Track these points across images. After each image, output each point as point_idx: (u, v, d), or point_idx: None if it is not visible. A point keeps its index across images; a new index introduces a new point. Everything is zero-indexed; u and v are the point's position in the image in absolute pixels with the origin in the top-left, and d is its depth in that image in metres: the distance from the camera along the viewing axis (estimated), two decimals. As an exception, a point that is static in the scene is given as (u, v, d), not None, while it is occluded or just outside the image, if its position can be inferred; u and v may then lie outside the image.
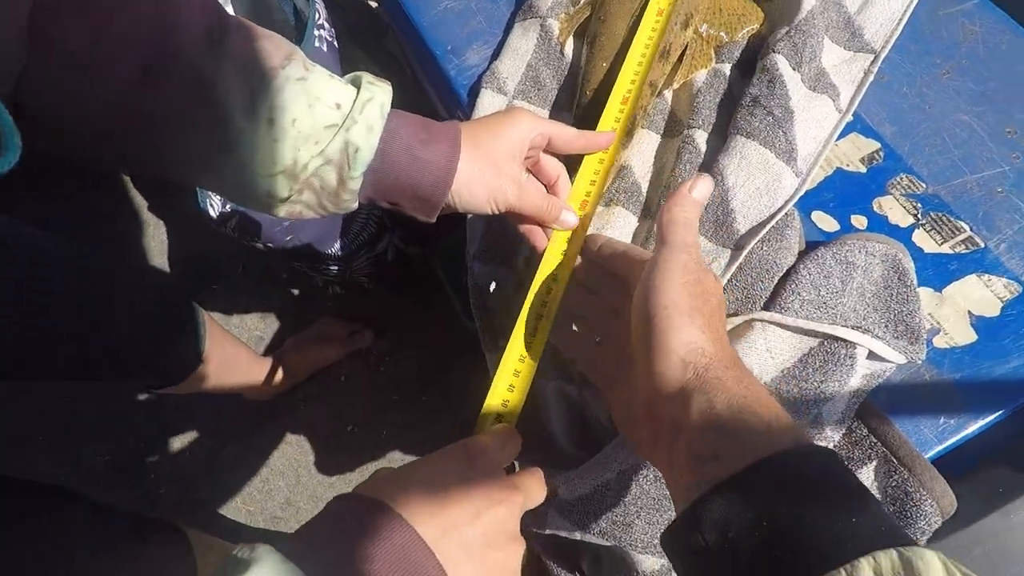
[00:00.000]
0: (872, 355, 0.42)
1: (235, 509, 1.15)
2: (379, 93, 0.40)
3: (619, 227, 0.50)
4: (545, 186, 0.48)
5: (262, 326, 1.25)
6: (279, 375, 1.08)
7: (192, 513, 1.13)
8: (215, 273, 1.28)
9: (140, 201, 1.35)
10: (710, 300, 0.33)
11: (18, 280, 0.54)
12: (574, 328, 0.43)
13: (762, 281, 0.44)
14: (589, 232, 0.45)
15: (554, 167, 0.47)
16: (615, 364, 0.38)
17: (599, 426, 0.47)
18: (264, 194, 0.39)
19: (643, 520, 0.41)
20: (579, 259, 0.44)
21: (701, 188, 0.37)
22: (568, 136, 0.45)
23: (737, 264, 0.44)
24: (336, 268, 0.98)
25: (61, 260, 0.59)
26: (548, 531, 0.47)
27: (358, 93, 0.39)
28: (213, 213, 0.77)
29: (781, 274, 0.44)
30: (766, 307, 0.44)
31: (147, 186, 1.32)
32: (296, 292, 1.26)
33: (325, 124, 0.38)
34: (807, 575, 0.24)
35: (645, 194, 0.52)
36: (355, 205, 0.41)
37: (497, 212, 0.44)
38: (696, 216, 0.36)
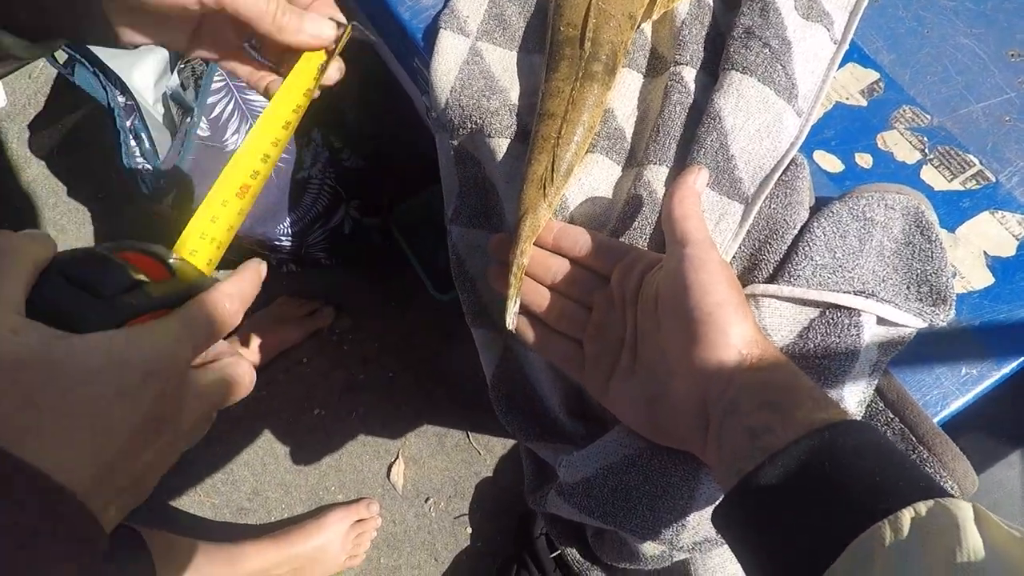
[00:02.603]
0: (883, 320, 0.38)
1: (198, 503, 1.09)
2: None
3: (600, 176, 0.45)
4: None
5: (213, 310, 1.17)
6: (236, 361, 1.01)
7: (150, 510, 1.06)
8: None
9: (57, 186, 1.24)
10: (742, 290, 0.35)
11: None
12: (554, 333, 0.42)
13: (771, 243, 0.40)
14: (562, 225, 0.43)
15: None
16: (611, 365, 0.39)
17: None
18: None
19: (645, 507, 0.37)
20: (558, 262, 0.42)
21: (702, 179, 0.38)
22: None
23: (749, 221, 0.40)
24: (289, 244, 0.91)
25: None
26: (548, 511, 0.43)
27: None
28: (146, 189, 0.69)
29: (794, 233, 0.39)
30: (775, 273, 0.39)
31: (67, 167, 1.21)
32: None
33: None
34: (854, 524, 0.26)
35: (630, 140, 0.47)
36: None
37: (198, 5, 0.31)
38: (700, 208, 0.37)
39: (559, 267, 0.42)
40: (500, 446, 1.10)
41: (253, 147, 0.35)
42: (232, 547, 0.88)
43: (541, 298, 0.42)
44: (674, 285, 0.35)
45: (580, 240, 0.42)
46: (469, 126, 0.50)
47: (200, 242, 0.32)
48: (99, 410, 0.23)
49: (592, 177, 0.45)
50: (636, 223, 0.43)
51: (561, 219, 0.44)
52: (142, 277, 0.27)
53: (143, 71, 1.01)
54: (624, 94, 0.48)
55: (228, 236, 0.33)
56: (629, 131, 0.47)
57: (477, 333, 0.49)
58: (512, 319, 0.41)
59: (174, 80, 1.01)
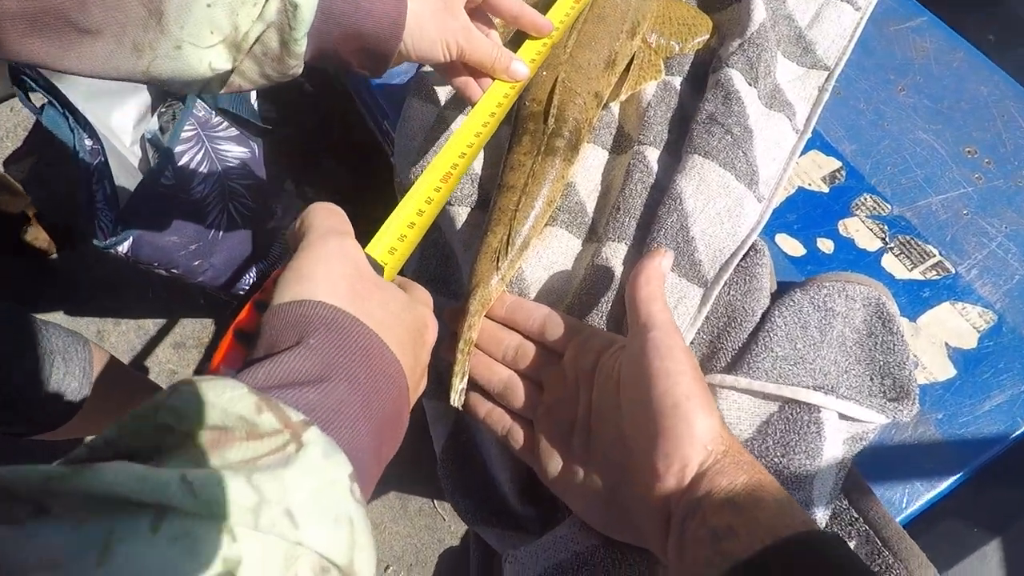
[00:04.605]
0: (844, 416, 0.37)
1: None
2: None
3: (559, 250, 0.45)
4: None
5: (175, 359, 1.14)
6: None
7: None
8: (119, 302, 1.16)
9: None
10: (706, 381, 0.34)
11: None
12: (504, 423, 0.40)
13: (730, 330, 0.39)
14: (515, 299, 0.42)
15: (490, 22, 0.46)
16: (563, 448, 0.37)
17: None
18: (206, 69, 0.35)
19: None
20: (510, 336, 0.41)
21: (667, 261, 0.37)
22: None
23: (708, 307, 0.39)
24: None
25: None
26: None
27: None
28: (102, 236, 0.67)
29: (754, 321, 0.39)
30: (733, 363, 0.38)
31: (39, 199, 1.19)
32: (215, 320, 1.15)
33: None
34: None
35: (591, 215, 0.46)
36: (300, 69, 0.38)
37: (448, 58, 0.41)
38: (664, 290, 0.36)
39: (511, 341, 0.41)
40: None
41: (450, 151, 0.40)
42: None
43: (491, 373, 0.40)
44: (638, 371, 0.33)
45: (534, 314, 0.41)
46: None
47: (399, 242, 0.37)
48: (406, 322, 0.31)
49: (551, 250, 0.44)
50: (594, 299, 0.42)
51: (517, 292, 0.43)
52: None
53: (123, 112, 1.00)
54: (588, 168, 0.48)
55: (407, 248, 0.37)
56: (591, 206, 0.47)
57: (428, 405, 0.47)
58: (457, 396, 0.39)
59: (153, 123, 1.00)
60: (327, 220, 0.31)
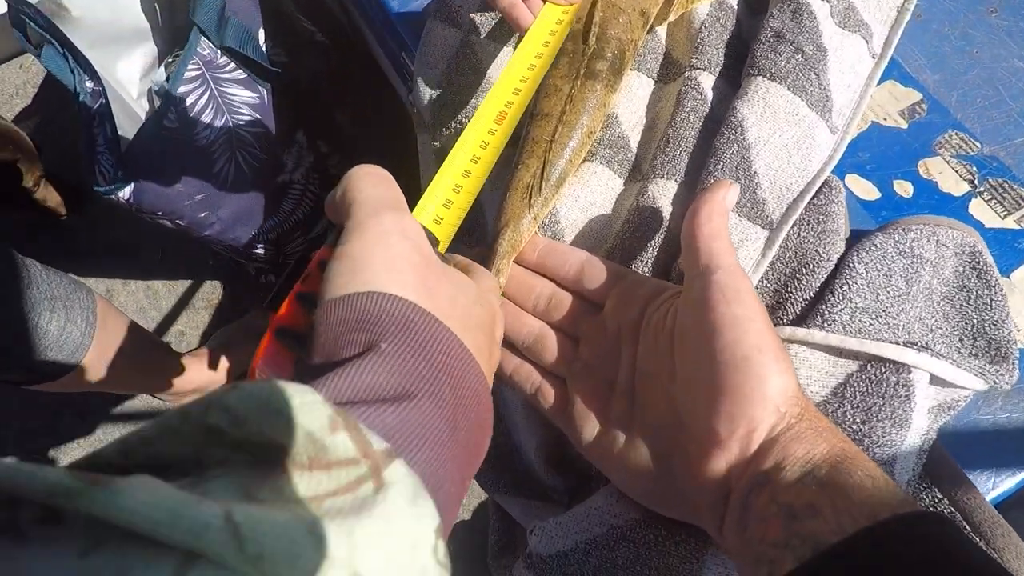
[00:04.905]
0: (936, 379, 0.31)
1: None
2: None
3: (598, 188, 0.39)
4: None
5: (184, 320, 1.11)
6: (201, 376, 0.94)
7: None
8: (129, 263, 1.13)
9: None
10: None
11: None
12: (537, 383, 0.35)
13: (800, 278, 0.33)
14: (549, 242, 0.37)
15: None
16: (602, 412, 0.32)
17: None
18: None
19: None
20: (542, 284, 0.36)
21: (732, 196, 0.31)
22: None
23: (775, 250, 0.34)
24: (264, 252, 0.85)
25: None
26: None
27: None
28: (103, 181, 0.63)
29: (828, 267, 0.33)
30: (803, 315, 0.33)
31: (47, 160, 1.15)
32: (224, 282, 1.12)
33: None
34: None
35: (634, 151, 0.41)
36: None
37: None
38: (728, 229, 0.31)
39: (543, 290, 0.36)
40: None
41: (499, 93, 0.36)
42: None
43: (520, 324, 0.35)
44: (697, 320, 0.28)
45: (569, 259, 0.35)
46: (454, 126, 0.44)
47: (444, 210, 0.32)
48: (479, 318, 0.27)
49: (589, 189, 0.39)
50: (638, 244, 0.37)
51: (550, 236, 0.38)
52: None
53: (129, 62, 0.96)
54: (631, 99, 0.42)
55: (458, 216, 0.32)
56: (634, 140, 0.41)
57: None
58: None
59: (160, 74, 0.95)
60: (376, 189, 0.26)
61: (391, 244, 0.24)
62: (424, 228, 0.28)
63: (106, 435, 1.05)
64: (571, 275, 0.36)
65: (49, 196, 1.14)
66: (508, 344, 0.36)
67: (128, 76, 0.97)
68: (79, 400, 1.00)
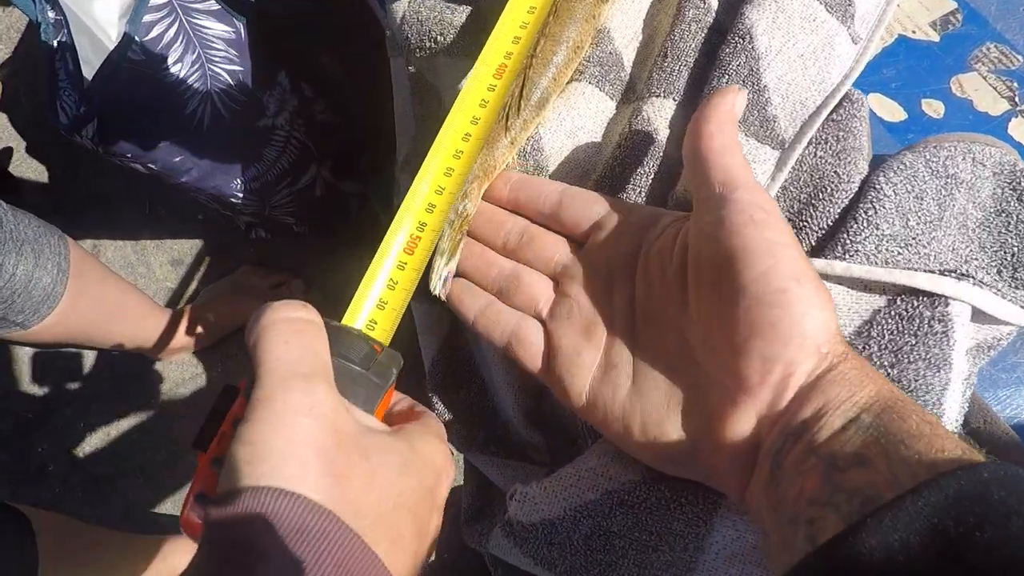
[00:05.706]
0: (978, 314, 0.27)
1: (141, 486, 0.99)
2: None
3: (586, 111, 0.35)
4: None
5: (172, 275, 1.08)
6: (189, 331, 0.91)
7: (85, 491, 0.97)
8: (116, 218, 1.09)
9: (13, 137, 1.14)
10: None
11: None
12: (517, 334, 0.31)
13: (817, 203, 0.29)
14: (521, 175, 0.33)
15: None
16: (594, 359, 0.29)
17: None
18: None
19: (631, 562, 0.27)
20: (513, 220, 0.32)
21: (741, 102, 0.27)
22: None
23: (786, 172, 0.30)
24: (246, 202, 0.81)
25: None
26: (490, 552, 0.32)
27: None
28: (64, 118, 0.59)
29: (849, 191, 0.29)
30: (821, 244, 0.29)
31: (20, 119, 1.11)
32: (214, 236, 1.08)
33: None
34: None
35: (628, 70, 0.36)
36: None
37: None
38: (739, 142, 0.27)
39: (514, 225, 0.32)
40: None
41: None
42: (153, 540, 0.78)
43: (486, 265, 0.32)
44: (721, 247, 0.24)
45: (545, 190, 0.31)
46: (428, 45, 0.39)
47: (379, 313, 0.30)
48: (405, 494, 0.24)
49: (576, 112, 0.35)
50: (630, 171, 0.32)
51: (532, 165, 0.34)
52: (374, 347, 0.27)
53: (105, 4, 0.91)
54: (625, 11, 0.37)
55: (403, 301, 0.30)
56: (628, 59, 0.37)
57: (419, 310, 0.38)
58: (440, 282, 0.31)
59: (136, 14, 0.90)
60: (289, 351, 0.24)
61: (296, 427, 0.22)
62: (361, 334, 0.27)
63: (107, 428, 1.03)
64: (547, 209, 0.32)
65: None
66: (476, 285, 0.32)
67: (106, 16, 0.92)
68: (79, 400, 0.99)
